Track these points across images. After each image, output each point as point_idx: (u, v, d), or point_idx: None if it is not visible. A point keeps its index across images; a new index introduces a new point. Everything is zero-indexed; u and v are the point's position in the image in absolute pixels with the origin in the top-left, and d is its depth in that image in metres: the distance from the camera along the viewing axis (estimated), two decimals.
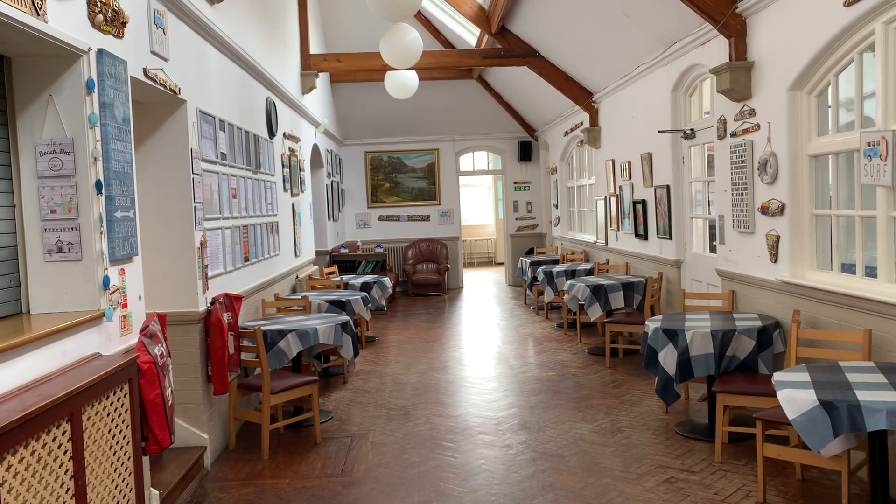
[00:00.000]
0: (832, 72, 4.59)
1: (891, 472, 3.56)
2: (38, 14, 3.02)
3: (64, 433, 2.78)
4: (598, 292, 7.56)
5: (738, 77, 5.38)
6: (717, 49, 5.87)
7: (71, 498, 2.80)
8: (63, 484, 2.75)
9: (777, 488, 4.14)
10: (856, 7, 4.09)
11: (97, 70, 3.48)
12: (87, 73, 3.40)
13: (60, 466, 2.74)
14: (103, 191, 3.50)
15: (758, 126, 5.31)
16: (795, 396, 3.22)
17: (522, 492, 4.28)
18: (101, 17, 3.56)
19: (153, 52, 4.28)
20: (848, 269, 4.61)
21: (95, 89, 3.46)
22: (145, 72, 4.14)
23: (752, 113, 5.38)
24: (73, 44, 3.27)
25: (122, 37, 3.82)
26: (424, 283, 13.59)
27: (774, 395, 4.32)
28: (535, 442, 5.13)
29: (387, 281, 9.41)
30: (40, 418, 2.58)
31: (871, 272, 4.32)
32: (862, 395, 3.10)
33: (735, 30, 5.40)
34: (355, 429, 5.61)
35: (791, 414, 3.21)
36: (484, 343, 8.88)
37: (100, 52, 3.51)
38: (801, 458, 3.77)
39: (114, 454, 3.21)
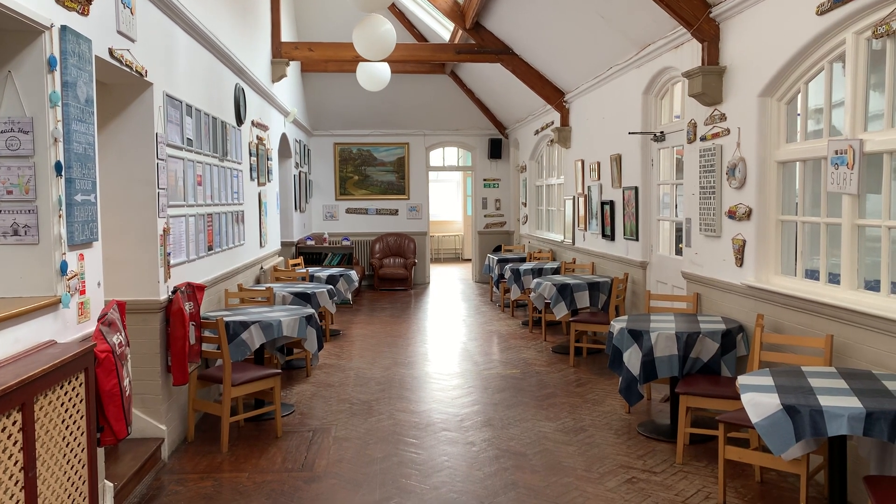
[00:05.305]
0: (802, 80, 4.65)
1: (848, 477, 3.61)
2: None
3: (14, 423, 2.67)
4: (565, 291, 7.58)
5: (709, 81, 5.42)
6: (690, 53, 5.91)
7: (20, 490, 2.70)
8: (12, 476, 2.65)
9: (737, 490, 4.19)
10: (828, 16, 4.13)
11: (60, 47, 3.36)
12: (48, 51, 3.28)
13: (10, 458, 2.64)
14: (63, 173, 3.38)
15: (728, 131, 5.35)
16: (759, 400, 3.24)
17: (485, 489, 4.26)
18: None
19: (120, 32, 4.15)
20: (812, 275, 4.68)
21: (58, 67, 3.34)
22: (111, 52, 4.02)
23: (723, 117, 5.42)
24: (35, 18, 3.15)
25: (88, 14, 3.70)
26: (391, 277, 13.52)
27: (736, 398, 4.37)
28: (499, 439, 5.11)
29: (353, 274, 9.33)
30: None
31: (834, 279, 4.38)
32: (824, 401, 3.14)
33: (708, 34, 5.44)
34: (317, 423, 5.54)
35: (755, 417, 3.23)
36: (449, 339, 8.85)
37: (63, 28, 3.38)
38: (761, 461, 3.81)
39: (67, 445, 3.10)
